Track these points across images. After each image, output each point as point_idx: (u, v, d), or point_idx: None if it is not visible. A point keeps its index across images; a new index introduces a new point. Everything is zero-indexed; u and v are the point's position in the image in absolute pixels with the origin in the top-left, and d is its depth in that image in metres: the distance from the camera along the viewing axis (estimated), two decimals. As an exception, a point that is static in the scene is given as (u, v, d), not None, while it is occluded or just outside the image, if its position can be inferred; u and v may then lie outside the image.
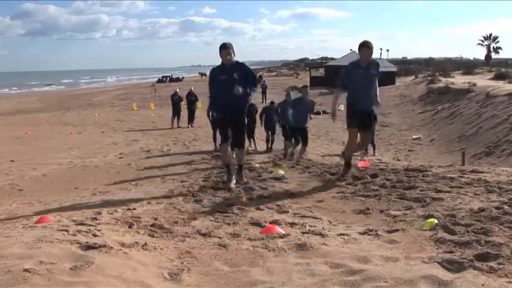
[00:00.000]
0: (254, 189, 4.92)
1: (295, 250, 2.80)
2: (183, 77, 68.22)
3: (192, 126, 16.30)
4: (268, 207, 4.04)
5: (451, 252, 2.60)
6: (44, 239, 2.76)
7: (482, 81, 23.97)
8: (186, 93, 17.06)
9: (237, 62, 5.15)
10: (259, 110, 11.22)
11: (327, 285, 2.28)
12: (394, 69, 37.80)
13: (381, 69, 5.55)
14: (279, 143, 10.70)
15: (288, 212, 3.91)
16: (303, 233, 3.19)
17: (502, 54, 64.15)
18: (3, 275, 2.19)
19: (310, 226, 3.38)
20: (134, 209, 4.12)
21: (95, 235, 2.99)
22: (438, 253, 2.60)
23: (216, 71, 5.20)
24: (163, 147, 11.48)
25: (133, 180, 7.14)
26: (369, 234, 3.13)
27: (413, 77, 36.35)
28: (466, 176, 4.82)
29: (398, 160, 11.25)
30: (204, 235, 3.21)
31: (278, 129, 10.78)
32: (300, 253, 2.75)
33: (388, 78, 30.49)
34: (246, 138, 7.13)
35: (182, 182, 6.11)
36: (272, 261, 2.65)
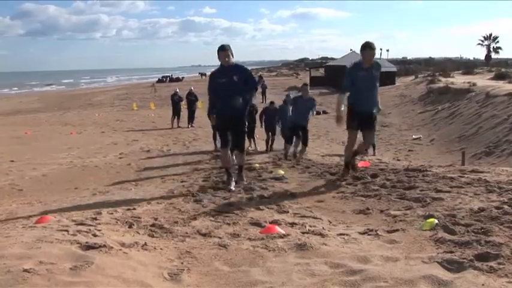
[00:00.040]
0: (254, 189, 4.92)
1: (295, 250, 2.80)
2: (183, 77, 68.18)
3: (192, 126, 16.30)
4: (268, 207, 4.04)
5: (451, 252, 2.60)
6: (44, 239, 2.76)
7: (482, 81, 23.97)
8: (186, 93, 17.06)
9: (236, 64, 5.12)
10: (259, 110, 11.20)
11: (327, 285, 2.28)
12: (394, 69, 37.79)
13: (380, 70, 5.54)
14: (279, 143, 10.70)
15: (288, 212, 3.91)
16: (303, 233, 3.19)
17: (502, 54, 64.24)
18: (3, 275, 2.19)
19: (310, 226, 3.38)
20: (134, 209, 4.12)
21: (95, 235, 2.99)
22: (438, 253, 2.60)
23: (215, 75, 5.17)
24: (163, 147, 11.47)
25: (133, 180, 7.14)
26: (369, 234, 3.13)
27: (413, 77, 36.34)
28: (466, 175, 4.81)
29: (398, 160, 11.24)
30: (204, 235, 3.21)
31: (278, 130, 10.77)
32: (300, 253, 2.75)
33: (388, 78, 30.46)
34: (246, 138, 7.12)
35: (182, 182, 6.12)
36: (272, 261, 2.65)
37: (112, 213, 3.84)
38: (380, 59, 38.02)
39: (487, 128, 13.70)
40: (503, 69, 33.78)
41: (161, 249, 2.88)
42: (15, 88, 63.09)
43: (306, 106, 8.45)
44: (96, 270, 2.32)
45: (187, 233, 3.25)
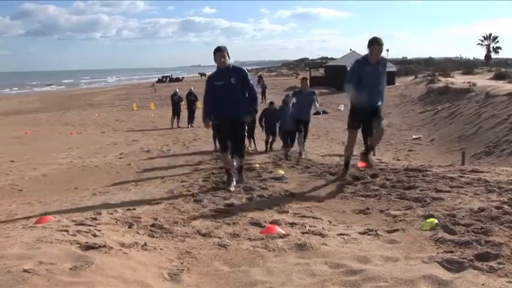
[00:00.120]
0: (254, 189, 4.91)
1: (295, 250, 2.80)
2: (183, 77, 68.18)
3: (192, 126, 16.30)
4: (268, 207, 4.04)
5: (451, 252, 2.60)
6: (44, 239, 2.76)
7: (482, 81, 23.97)
8: (186, 93, 17.06)
9: (233, 66, 5.12)
10: (259, 111, 11.16)
11: (327, 285, 2.28)
12: (394, 69, 37.77)
13: None
14: (279, 142, 10.69)
15: (288, 212, 3.91)
16: (303, 233, 3.19)
17: (502, 54, 64.24)
18: (3, 275, 2.19)
19: (310, 226, 3.38)
20: (134, 209, 4.12)
21: (94, 235, 2.99)
22: (438, 253, 2.60)
23: (212, 78, 5.16)
24: (163, 148, 11.46)
25: (133, 180, 7.13)
26: (369, 234, 3.13)
27: (413, 77, 36.35)
28: (466, 175, 4.82)
29: (398, 160, 11.23)
30: (204, 235, 3.21)
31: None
32: (300, 253, 2.75)
33: (388, 78, 30.44)
34: (246, 138, 7.11)
35: (182, 182, 6.11)
36: (272, 261, 2.65)
37: (112, 214, 3.83)
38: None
39: (487, 128, 13.69)
40: (503, 69, 33.78)
41: (161, 249, 2.88)
42: (16, 88, 63.10)
43: (306, 100, 8.32)
44: (96, 270, 2.32)
45: (187, 233, 3.25)
